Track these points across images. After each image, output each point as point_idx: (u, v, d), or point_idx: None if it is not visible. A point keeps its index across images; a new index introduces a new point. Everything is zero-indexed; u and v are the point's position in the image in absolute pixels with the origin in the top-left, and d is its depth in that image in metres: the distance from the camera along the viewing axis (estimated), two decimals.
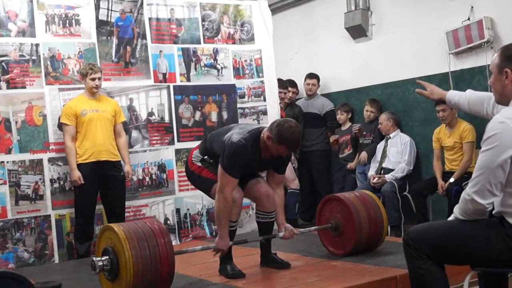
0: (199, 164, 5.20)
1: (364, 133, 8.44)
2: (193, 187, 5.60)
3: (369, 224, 5.50)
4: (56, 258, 6.62)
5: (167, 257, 4.48)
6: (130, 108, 7.18)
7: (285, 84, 8.70)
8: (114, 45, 7.11)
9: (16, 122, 6.51)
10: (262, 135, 4.92)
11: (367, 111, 8.47)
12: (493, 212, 3.47)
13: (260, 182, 5.24)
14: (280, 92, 8.32)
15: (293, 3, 9.96)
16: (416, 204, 7.43)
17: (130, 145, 7.01)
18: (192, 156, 5.29)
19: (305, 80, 9.28)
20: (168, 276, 4.52)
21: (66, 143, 6.49)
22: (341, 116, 8.85)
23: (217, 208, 4.92)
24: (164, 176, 7.31)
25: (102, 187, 6.62)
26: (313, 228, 5.86)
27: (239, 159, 4.84)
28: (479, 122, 6.92)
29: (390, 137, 8.09)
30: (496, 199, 3.38)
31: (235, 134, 4.95)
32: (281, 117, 7.94)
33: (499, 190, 3.33)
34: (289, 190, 7.99)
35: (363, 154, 8.38)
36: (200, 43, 7.66)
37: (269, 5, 8.33)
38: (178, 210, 7.34)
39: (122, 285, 4.41)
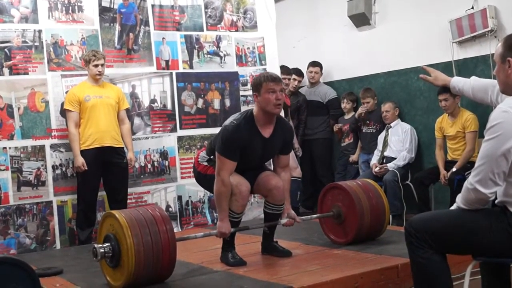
0: (205, 163, 5.20)
1: (368, 122, 8.42)
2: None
3: (371, 213, 5.49)
4: (58, 244, 6.64)
5: (169, 244, 4.47)
6: (133, 95, 7.17)
7: (288, 70, 8.69)
8: (117, 32, 7.10)
9: (19, 108, 6.51)
10: (253, 111, 4.96)
11: (363, 102, 8.44)
12: (496, 201, 3.46)
13: (269, 175, 5.21)
14: (284, 79, 8.30)
15: None
16: (418, 193, 7.42)
17: (132, 132, 7.00)
18: (199, 157, 5.29)
19: (308, 68, 9.27)
20: (169, 263, 4.51)
21: (69, 129, 6.49)
22: (346, 105, 8.84)
23: (215, 191, 4.93)
24: (166, 163, 7.32)
25: (104, 173, 6.62)
26: (314, 216, 5.86)
27: (233, 140, 4.83)
28: (482, 111, 6.92)
29: (390, 126, 8.09)
30: (498, 188, 3.37)
31: (228, 119, 5.01)
32: (285, 104, 7.93)
33: (501, 179, 3.32)
34: (291, 178, 7.99)
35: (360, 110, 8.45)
36: (203, 30, 7.64)
37: None
38: (179, 197, 7.35)
39: (123, 272, 4.41)
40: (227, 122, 4.94)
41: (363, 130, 8.49)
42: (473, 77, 4.26)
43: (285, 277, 4.53)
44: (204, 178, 5.26)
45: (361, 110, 8.42)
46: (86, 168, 6.43)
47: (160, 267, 4.48)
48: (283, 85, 5.09)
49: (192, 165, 5.65)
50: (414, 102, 8.21)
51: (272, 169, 5.42)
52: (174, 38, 7.45)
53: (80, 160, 6.43)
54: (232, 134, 4.84)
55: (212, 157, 5.12)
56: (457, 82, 4.31)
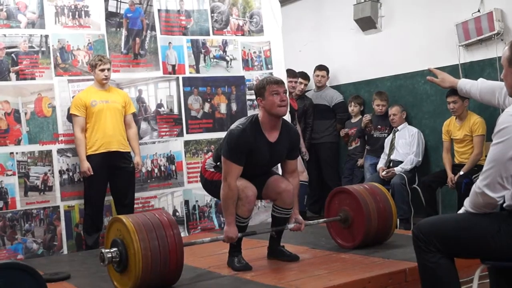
0: (212, 170, 5.20)
1: (380, 127, 8.40)
2: None
3: (378, 217, 5.48)
4: (65, 249, 6.63)
5: (176, 249, 4.47)
6: (139, 100, 7.18)
7: (294, 74, 8.67)
8: (123, 37, 7.11)
9: (26, 114, 6.52)
10: (259, 116, 4.97)
11: (378, 105, 8.41)
12: (504, 205, 3.45)
13: (278, 178, 5.20)
14: (289, 82, 8.29)
15: None
16: (426, 196, 7.40)
17: (139, 137, 6.99)
18: (206, 164, 5.29)
19: (314, 72, 9.27)
20: (177, 268, 4.51)
21: (75, 134, 6.49)
22: (354, 108, 8.84)
23: (222, 196, 4.93)
24: (173, 167, 7.31)
25: (111, 178, 6.62)
26: (321, 220, 5.85)
27: (239, 144, 4.84)
28: (490, 115, 6.91)
29: (398, 130, 8.08)
30: (507, 192, 3.36)
31: (234, 124, 5.02)
32: (293, 107, 7.93)
33: (510, 183, 3.31)
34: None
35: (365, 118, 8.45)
36: (209, 35, 7.65)
37: None
38: (186, 202, 7.35)
39: (131, 277, 4.41)
40: (233, 126, 4.95)
41: (374, 135, 8.46)
42: (481, 79, 4.25)
43: (292, 282, 4.54)
44: (210, 184, 5.25)
45: (365, 120, 8.41)
46: (92, 173, 6.44)
47: (168, 272, 4.48)
48: (286, 87, 5.10)
49: (199, 169, 5.64)
50: (421, 106, 8.20)
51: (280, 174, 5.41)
52: (181, 42, 7.45)
53: (86, 165, 6.43)
54: (238, 138, 4.84)
55: (218, 163, 5.12)
56: (464, 84, 4.30)
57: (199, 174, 5.57)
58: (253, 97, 7.49)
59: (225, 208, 4.96)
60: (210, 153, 5.57)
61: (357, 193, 5.55)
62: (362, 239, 5.47)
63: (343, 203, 5.66)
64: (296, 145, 5.32)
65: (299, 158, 7.94)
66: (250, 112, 7.65)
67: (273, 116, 4.92)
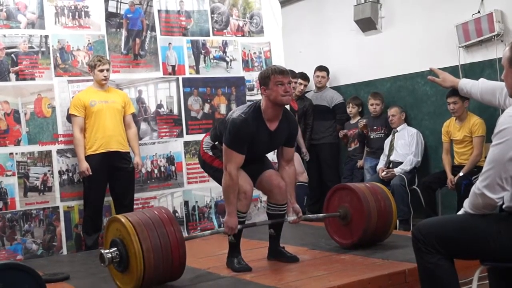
0: (210, 153, 5.21)
1: (375, 127, 8.40)
2: (201, 179, 5.59)
3: (378, 215, 5.47)
4: (65, 250, 6.64)
5: (178, 244, 4.47)
6: (139, 100, 7.18)
7: (294, 74, 8.65)
8: (123, 37, 7.11)
9: (25, 114, 6.52)
10: (261, 104, 4.97)
11: (371, 104, 8.42)
12: (503, 206, 3.44)
13: (272, 174, 5.22)
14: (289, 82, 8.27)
15: None
16: (425, 198, 7.39)
17: (139, 137, 6.99)
18: (204, 143, 5.31)
19: (314, 73, 9.26)
20: (180, 265, 4.52)
21: (74, 134, 6.50)
22: (352, 110, 8.83)
23: (223, 185, 4.93)
24: (173, 168, 7.31)
25: (111, 178, 6.62)
26: (321, 215, 5.83)
27: (241, 134, 4.84)
28: (489, 116, 6.90)
29: (397, 131, 8.07)
30: (506, 193, 3.36)
31: (236, 111, 5.01)
32: (291, 108, 7.92)
33: (509, 184, 3.31)
34: (297, 183, 7.96)
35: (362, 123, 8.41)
36: (209, 36, 7.65)
37: None
38: (186, 203, 7.34)
39: (132, 275, 4.40)
40: (234, 115, 4.93)
41: (371, 137, 8.46)
42: (481, 79, 4.23)
43: (292, 283, 4.54)
44: (210, 169, 5.29)
45: (361, 125, 8.39)
46: (91, 173, 6.44)
47: (171, 268, 4.50)
48: (290, 78, 5.08)
49: (199, 170, 5.63)
50: (421, 107, 8.20)
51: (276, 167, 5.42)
52: (181, 43, 7.45)
53: (85, 165, 6.43)
54: (240, 128, 4.84)
55: (216, 143, 5.15)
56: (465, 84, 4.29)
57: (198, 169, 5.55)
58: (253, 97, 7.57)
59: (226, 197, 4.95)
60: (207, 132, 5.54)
61: (358, 190, 5.55)
62: (360, 236, 5.46)
63: (343, 200, 5.65)
64: (294, 134, 5.33)
65: (299, 159, 7.96)
66: None
67: (276, 105, 4.92)
